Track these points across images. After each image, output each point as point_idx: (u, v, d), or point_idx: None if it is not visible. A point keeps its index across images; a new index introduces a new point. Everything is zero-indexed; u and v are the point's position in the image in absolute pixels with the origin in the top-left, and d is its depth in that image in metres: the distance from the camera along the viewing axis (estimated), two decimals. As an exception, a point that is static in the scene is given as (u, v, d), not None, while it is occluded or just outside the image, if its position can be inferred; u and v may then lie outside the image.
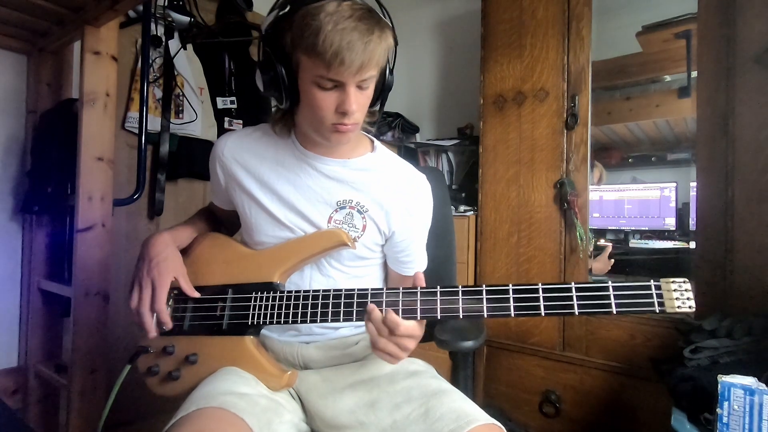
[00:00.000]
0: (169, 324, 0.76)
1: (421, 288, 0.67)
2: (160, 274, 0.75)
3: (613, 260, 1.79)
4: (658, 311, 0.56)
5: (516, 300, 0.61)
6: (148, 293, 0.74)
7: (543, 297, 0.60)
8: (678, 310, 0.55)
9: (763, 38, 1.29)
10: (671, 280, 0.56)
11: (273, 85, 0.69)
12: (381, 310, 0.65)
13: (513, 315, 0.60)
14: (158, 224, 1.69)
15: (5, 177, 1.51)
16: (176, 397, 0.74)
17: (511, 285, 0.62)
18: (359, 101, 0.68)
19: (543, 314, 0.59)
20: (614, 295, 0.57)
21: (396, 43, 0.70)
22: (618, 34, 1.80)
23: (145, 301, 0.74)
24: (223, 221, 0.96)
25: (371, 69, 0.66)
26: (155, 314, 0.75)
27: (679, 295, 0.55)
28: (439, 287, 0.66)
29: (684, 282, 0.56)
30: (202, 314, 0.78)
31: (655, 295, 0.56)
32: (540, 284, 0.60)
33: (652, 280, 0.57)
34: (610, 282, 0.57)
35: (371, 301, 0.67)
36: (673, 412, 1.07)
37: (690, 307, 0.55)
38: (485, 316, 0.62)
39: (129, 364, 0.79)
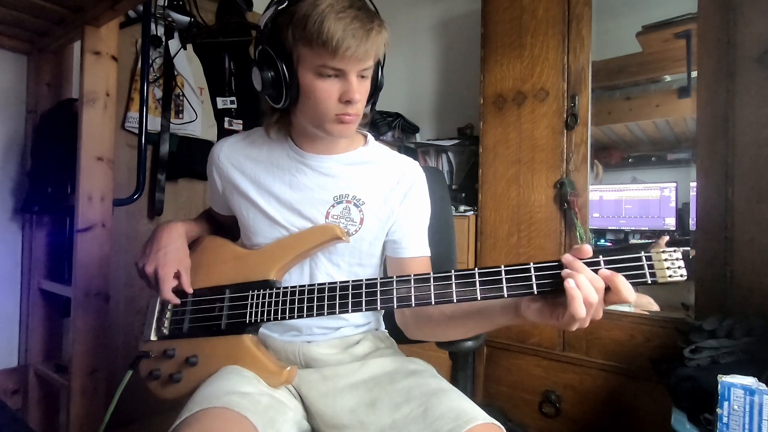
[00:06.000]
0: (175, 299, 0.79)
1: (414, 275, 0.65)
2: (164, 264, 0.78)
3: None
4: (650, 282, 0.54)
5: (509, 281, 0.59)
6: (153, 279, 0.78)
7: (535, 276, 0.58)
8: (670, 279, 0.54)
9: (764, 38, 1.29)
10: (661, 249, 0.55)
11: (274, 82, 0.70)
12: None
13: (506, 296, 0.59)
14: (158, 224, 1.69)
15: (5, 177, 1.51)
16: (179, 400, 0.74)
17: (503, 266, 0.60)
18: (361, 90, 0.70)
19: (536, 292, 0.58)
20: (606, 269, 0.56)
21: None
22: (618, 34, 1.80)
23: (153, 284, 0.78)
24: (224, 226, 0.96)
25: (372, 58, 0.69)
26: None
27: (670, 264, 0.54)
28: (432, 274, 0.64)
29: (674, 251, 0.55)
30: (201, 315, 0.79)
31: (646, 266, 0.55)
32: (531, 263, 0.59)
33: (642, 251, 0.56)
34: (601, 257, 0.56)
35: (366, 291, 0.66)
36: (673, 412, 1.07)
37: (682, 276, 0.53)
38: (479, 298, 0.60)
39: (130, 370, 0.80)
